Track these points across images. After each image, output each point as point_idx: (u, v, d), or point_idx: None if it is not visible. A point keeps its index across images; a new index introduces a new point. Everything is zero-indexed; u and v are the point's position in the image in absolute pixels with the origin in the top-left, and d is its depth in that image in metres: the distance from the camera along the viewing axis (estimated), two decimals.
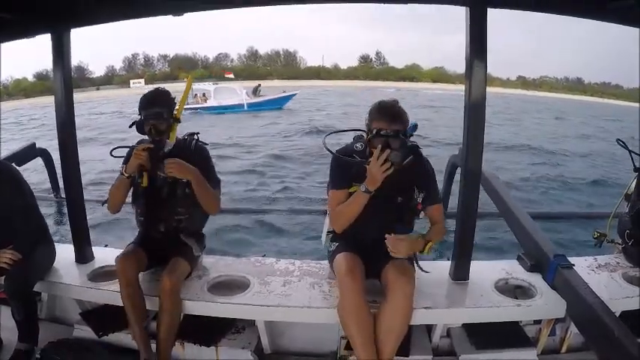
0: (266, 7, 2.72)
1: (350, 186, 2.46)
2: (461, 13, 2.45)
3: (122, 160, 2.74)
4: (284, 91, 31.15)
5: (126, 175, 2.62)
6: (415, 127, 2.42)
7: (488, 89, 2.50)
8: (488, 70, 2.46)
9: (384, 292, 2.36)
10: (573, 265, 2.61)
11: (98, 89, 65.62)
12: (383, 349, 2.24)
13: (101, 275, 2.88)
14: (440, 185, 4.08)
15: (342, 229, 2.54)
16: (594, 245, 3.12)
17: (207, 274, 2.85)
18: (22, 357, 2.57)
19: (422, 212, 2.53)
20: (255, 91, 31.03)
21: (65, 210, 4.07)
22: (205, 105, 28.32)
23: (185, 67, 78.71)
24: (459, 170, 3.41)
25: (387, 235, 2.36)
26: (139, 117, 2.65)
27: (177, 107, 2.73)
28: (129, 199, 2.77)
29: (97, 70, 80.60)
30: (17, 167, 2.90)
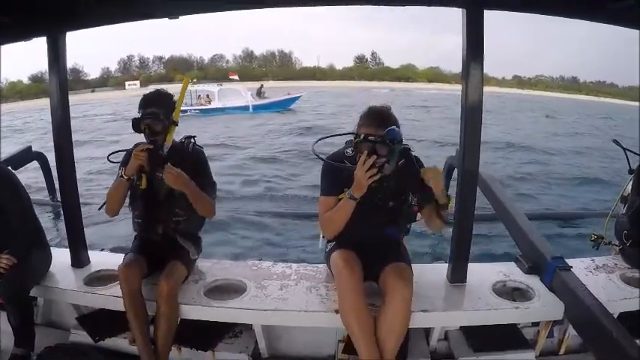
0: (262, 9, 2.72)
1: (340, 192, 2.43)
2: (458, 13, 2.44)
3: (119, 162, 2.74)
4: (288, 93, 30.81)
5: (125, 177, 2.61)
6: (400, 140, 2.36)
7: (484, 89, 2.50)
8: (484, 70, 2.46)
9: (382, 296, 2.36)
10: (571, 267, 2.60)
11: (93, 91, 65.35)
12: (384, 348, 2.24)
13: (97, 279, 2.87)
14: None
15: (332, 236, 2.54)
16: (592, 247, 3.12)
17: (204, 279, 2.83)
18: None
19: (419, 214, 2.52)
20: (259, 93, 30.77)
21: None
22: (209, 107, 28.05)
23: (180, 68, 78.57)
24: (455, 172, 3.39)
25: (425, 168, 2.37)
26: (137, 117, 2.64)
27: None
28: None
29: (92, 72, 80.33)
30: (13, 170, 2.89)
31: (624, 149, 3.16)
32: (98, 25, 2.80)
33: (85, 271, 2.94)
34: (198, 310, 2.60)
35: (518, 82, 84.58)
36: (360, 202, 2.34)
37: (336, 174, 2.46)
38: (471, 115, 2.49)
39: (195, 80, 33.70)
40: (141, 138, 2.68)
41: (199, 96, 28.56)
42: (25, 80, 68.26)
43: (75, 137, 3.01)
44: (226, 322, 2.70)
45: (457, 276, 2.74)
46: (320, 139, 2.75)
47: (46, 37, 2.73)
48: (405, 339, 2.47)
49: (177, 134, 2.77)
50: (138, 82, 67.10)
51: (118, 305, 2.58)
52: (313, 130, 18.73)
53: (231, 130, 20.58)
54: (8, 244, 2.65)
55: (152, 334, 2.54)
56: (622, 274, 2.81)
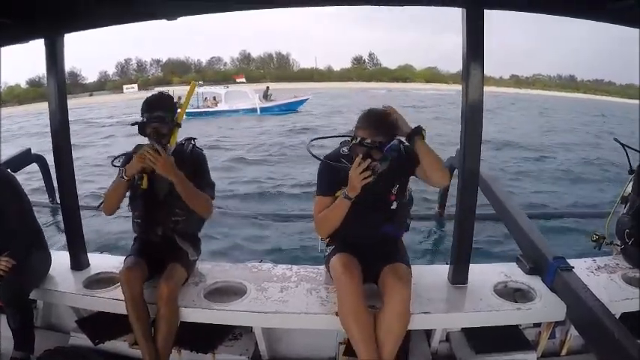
0: (261, 10, 2.71)
1: (337, 191, 2.44)
2: (458, 13, 2.44)
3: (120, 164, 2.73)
4: (295, 96, 30.63)
5: (126, 178, 2.59)
6: (396, 148, 2.39)
7: None
8: None
9: (381, 296, 2.35)
10: (572, 267, 2.60)
11: (91, 95, 65.23)
12: (383, 349, 2.24)
13: (97, 282, 2.86)
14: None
15: (326, 235, 2.57)
16: (593, 248, 3.11)
17: (204, 281, 2.83)
18: None
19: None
20: (266, 95, 30.48)
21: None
22: (215, 109, 27.85)
23: (178, 71, 78.46)
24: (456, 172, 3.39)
25: None
26: (141, 119, 2.64)
27: (179, 111, 2.73)
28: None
29: (90, 76, 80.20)
30: (12, 172, 2.88)
31: (624, 146, 3.16)
32: (97, 27, 2.80)
33: (85, 274, 2.93)
34: (198, 313, 2.59)
35: (516, 81, 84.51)
36: (356, 202, 2.35)
37: (332, 173, 2.47)
38: (472, 115, 2.48)
39: (201, 83, 33.49)
40: (139, 140, 2.68)
41: (205, 98, 28.39)
42: (23, 84, 68.23)
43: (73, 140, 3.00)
44: (226, 324, 2.68)
45: (458, 277, 2.73)
46: (314, 139, 2.75)
47: (44, 39, 2.72)
48: (406, 341, 2.47)
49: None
50: (136, 86, 66.92)
51: (118, 308, 2.58)
52: (311, 131, 18.74)
53: (225, 131, 20.67)
54: (8, 246, 2.63)
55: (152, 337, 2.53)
56: (624, 274, 2.80)
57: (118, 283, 2.62)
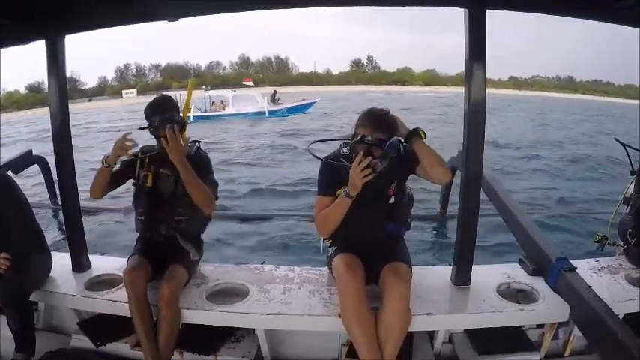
0: (260, 11, 2.71)
1: (337, 191, 2.44)
2: (458, 12, 2.43)
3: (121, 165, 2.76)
4: (303, 99, 30.72)
5: (106, 165, 2.61)
6: (397, 146, 2.38)
7: None
8: None
9: (381, 295, 2.35)
10: (576, 267, 2.59)
11: (90, 100, 65.13)
12: (384, 349, 2.23)
13: (98, 284, 2.86)
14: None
15: (327, 234, 2.57)
16: (596, 249, 3.11)
17: (206, 282, 2.82)
18: None
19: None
20: (273, 99, 30.45)
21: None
22: (223, 113, 27.84)
23: (177, 75, 78.44)
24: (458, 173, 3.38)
25: None
26: (150, 123, 2.65)
27: (182, 113, 2.74)
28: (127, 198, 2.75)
29: (90, 81, 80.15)
30: (14, 174, 2.88)
31: (625, 146, 3.16)
32: (98, 28, 2.80)
33: (86, 276, 2.93)
34: (200, 314, 2.58)
35: (515, 82, 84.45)
36: (355, 200, 2.35)
37: (333, 173, 2.48)
38: (474, 116, 2.48)
39: (209, 87, 33.55)
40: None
41: (213, 102, 28.44)
42: (22, 90, 68.17)
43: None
44: (229, 326, 2.67)
45: (461, 278, 2.72)
46: (315, 142, 2.77)
47: (45, 40, 2.72)
48: (409, 342, 2.47)
49: None
50: (135, 91, 67.13)
51: (120, 310, 2.58)
52: (310, 132, 18.98)
53: (221, 133, 20.80)
54: (7, 248, 2.63)
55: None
56: (627, 274, 2.80)
57: (120, 285, 2.62)
